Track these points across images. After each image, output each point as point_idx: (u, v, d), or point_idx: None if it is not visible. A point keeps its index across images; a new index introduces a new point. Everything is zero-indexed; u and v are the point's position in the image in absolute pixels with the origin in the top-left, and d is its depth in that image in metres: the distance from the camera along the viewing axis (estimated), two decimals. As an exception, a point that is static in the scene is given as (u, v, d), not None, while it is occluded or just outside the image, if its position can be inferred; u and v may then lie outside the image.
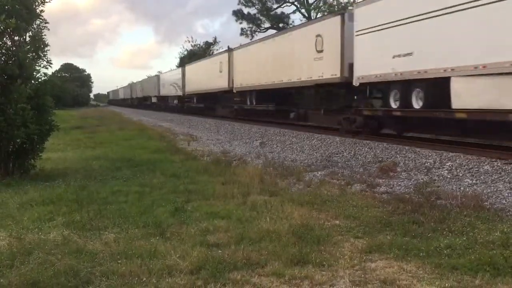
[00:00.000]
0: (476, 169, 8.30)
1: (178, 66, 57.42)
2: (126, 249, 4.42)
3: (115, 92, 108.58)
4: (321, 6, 47.82)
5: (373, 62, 13.31)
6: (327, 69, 16.25)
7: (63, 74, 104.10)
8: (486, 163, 8.61)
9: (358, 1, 14.66)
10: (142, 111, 52.80)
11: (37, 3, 8.87)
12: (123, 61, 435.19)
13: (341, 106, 16.67)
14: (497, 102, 9.48)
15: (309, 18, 45.50)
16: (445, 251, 4.32)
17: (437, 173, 8.38)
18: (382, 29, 12.86)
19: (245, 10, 50.07)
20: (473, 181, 7.56)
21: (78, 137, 18.34)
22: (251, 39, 46.26)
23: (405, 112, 12.68)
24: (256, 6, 49.56)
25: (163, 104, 50.80)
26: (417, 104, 12.27)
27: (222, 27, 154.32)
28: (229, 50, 29.16)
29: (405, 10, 11.94)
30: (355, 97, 15.76)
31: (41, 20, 8.98)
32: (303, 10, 48.76)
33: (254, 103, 25.46)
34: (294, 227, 5.03)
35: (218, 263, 4.04)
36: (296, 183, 8.01)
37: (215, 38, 66.47)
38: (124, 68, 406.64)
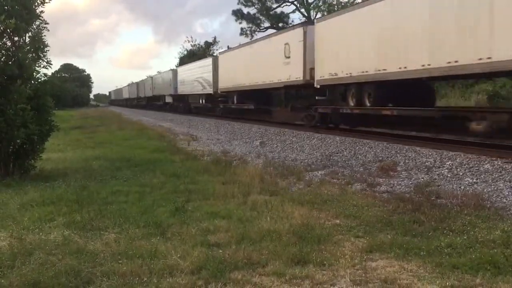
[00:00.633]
0: (477, 168, 8.30)
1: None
2: (126, 249, 4.42)
3: (118, 91, 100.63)
4: (321, 5, 47.86)
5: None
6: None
7: (63, 75, 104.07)
8: (486, 162, 8.61)
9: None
10: (146, 112, 48.27)
11: (36, 4, 8.87)
12: (122, 61, 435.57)
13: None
14: None
15: (308, 17, 45.54)
16: (445, 250, 4.32)
17: (437, 172, 8.39)
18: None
19: (245, 10, 50.10)
20: (474, 180, 7.56)
21: (78, 137, 18.35)
22: (250, 39, 46.28)
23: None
24: (256, 6, 49.57)
25: (182, 104, 40.60)
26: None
27: (221, 26, 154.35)
28: (305, 24, 19.61)
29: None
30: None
31: (40, 21, 8.97)
32: (302, 10, 48.78)
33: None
34: (294, 226, 5.03)
35: (219, 263, 4.04)
36: (297, 183, 8.01)
37: (215, 38, 66.14)
38: (123, 68, 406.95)
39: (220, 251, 4.40)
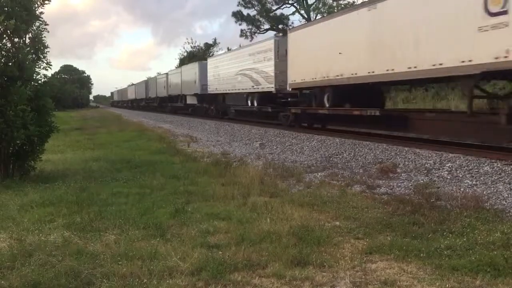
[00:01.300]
0: (476, 170, 8.31)
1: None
2: (126, 250, 4.42)
3: (122, 92, 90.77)
4: (321, 7, 47.94)
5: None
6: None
7: (63, 76, 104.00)
8: (486, 164, 8.62)
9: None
10: (146, 114, 45.68)
11: (36, 5, 8.88)
12: (121, 62, 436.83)
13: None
14: None
15: (308, 19, 45.60)
16: (445, 252, 4.33)
17: (437, 174, 8.39)
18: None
19: (245, 12, 50.17)
20: (473, 182, 7.57)
21: (78, 138, 18.34)
22: (250, 41, 46.30)
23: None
24: (256, 8, 49.65)
25: (215, 107, 30.72)
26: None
27: (220, 28, 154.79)
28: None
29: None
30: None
31: (40, 22, 8.97)
32: (302, 12, 48.88)
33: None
34: (294, 228, 5.03)
35: (218, 264, 4.04)
36: (296, 184, 8.01)
37: (215, 39, 65.92)
38: (122, 69, 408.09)
39: (220, 252, 4.40)
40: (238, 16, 50.42)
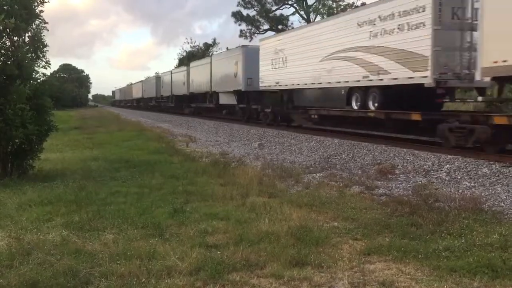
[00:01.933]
0: (474, 171, 8.32)
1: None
2: (125, 249, 4.42)
3: (125, 90, 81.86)
4: (320, 8, 47.94)
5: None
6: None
7: (62, 75, 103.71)
8: (484, 165, 8.64)
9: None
10: (144, 113, 43.93)
11: (36, 3, 8.86)
12: (121, 62, 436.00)
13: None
14: None
15: (308, 20, 45.61)
16: (443, 253, 4.34)
17: (435, 176, 8.41)
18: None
19: (244, 12, 50.14)
20: (471, 184, 7.58)
21: (77, 137, 18.32)
22: (250, 41, 46.27)
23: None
24: (255, 8, 49.65)
25: (271, 110, 21.81)
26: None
27: (220, 28, 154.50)
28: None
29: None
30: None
31: (40, 21, 8.97)
32: (302, 12, 48.90)
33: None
34: (292, 228, 5.04)
35: (217, 264, 4.04)
36: (295, 185, 8.02)
37: (215, 39, 65.70)
38: (122, 69, 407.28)
39: (218, 252, 4.40)
40: (237, 16, 50.43)
